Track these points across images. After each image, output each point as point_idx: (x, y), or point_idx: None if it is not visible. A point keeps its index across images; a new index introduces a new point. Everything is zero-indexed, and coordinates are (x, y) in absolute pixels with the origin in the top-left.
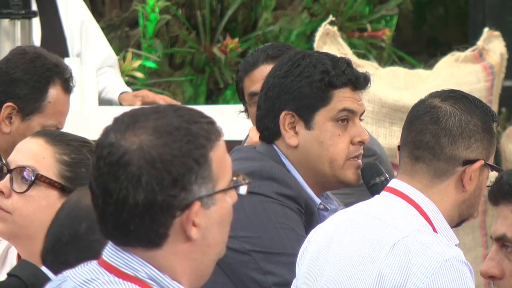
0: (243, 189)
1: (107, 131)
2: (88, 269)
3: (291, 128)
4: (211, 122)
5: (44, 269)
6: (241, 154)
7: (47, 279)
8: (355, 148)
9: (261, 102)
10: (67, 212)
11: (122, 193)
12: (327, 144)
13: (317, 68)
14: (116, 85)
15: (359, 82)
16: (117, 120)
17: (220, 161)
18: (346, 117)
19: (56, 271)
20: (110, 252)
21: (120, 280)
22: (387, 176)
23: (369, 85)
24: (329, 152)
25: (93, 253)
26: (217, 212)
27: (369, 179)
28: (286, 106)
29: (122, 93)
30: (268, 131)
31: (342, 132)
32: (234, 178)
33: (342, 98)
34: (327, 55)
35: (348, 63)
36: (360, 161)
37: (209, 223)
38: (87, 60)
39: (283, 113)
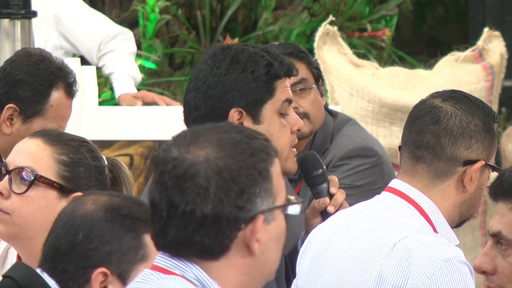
0: (295, 209)
1: (167, 147)
2: (141, 276)
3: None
4: (267, 140)
5: (39, 271)
6: None
7: (41, 281)
8: (293, 137)
9: (198, 102)
10: (63, 222)
11: (190, 205)
12: (276, 136)
13: (258, 62)
14: (121, 76)
15: (294, 69)
16: (177, 136)
17: (278, 177)
18: (287, 108)
19: (56, 279)
20: (161, 259)
21: (168, 275)
22: (324, 168)
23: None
24: (278, 144)
25: (91, 262)
26: (276, 229)
27: (312, 170)
28: (233, 103)
29: (121, 94)
30: None
31: (285, 123)
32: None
33: (283, 88)
34: (256, 47)
35: (278, 52)
36: (295, 149)
37: (268, 239)
38: (86, 44)
39: (232, 111)
